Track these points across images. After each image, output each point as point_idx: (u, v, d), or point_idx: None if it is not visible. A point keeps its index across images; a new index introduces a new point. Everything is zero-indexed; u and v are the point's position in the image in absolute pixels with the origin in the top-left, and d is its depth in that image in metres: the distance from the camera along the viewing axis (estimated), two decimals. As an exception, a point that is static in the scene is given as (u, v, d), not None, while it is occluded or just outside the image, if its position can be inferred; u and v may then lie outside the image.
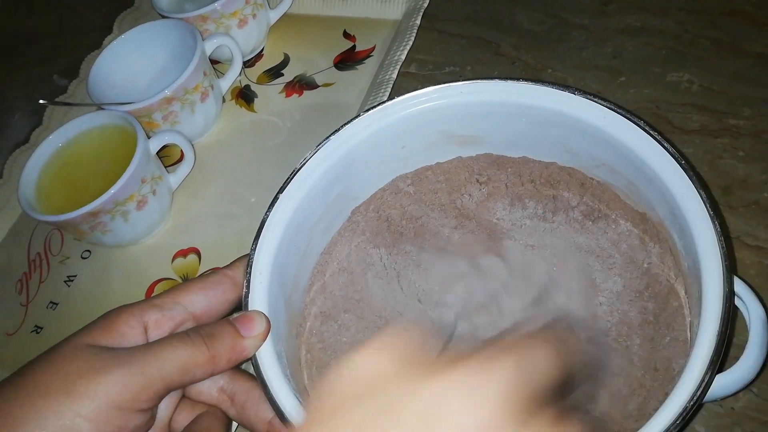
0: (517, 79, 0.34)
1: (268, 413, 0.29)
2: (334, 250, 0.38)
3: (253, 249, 0.32)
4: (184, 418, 0.30)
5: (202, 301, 0.30)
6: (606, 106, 0.31)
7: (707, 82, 0.46)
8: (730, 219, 0.39)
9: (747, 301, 0.27)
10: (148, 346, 0.27)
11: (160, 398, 0.27)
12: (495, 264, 0.35)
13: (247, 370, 0.33)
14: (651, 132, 0.30)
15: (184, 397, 0.31)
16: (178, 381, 0.27)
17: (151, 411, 0.27)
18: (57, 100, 0.59)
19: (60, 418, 0.24)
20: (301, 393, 0.30)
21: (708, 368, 0.23)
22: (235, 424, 0.35)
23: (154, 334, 0.29)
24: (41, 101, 0.53)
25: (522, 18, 0.54)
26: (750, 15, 0.48)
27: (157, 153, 0.48)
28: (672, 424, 0.23)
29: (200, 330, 0.28)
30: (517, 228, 0.36)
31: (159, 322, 0.29)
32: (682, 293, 0.30)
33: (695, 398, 0.23)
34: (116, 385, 0.25)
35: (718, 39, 0.48)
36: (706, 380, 0.23)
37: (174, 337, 0.28)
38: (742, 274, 0.37)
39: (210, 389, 0.31)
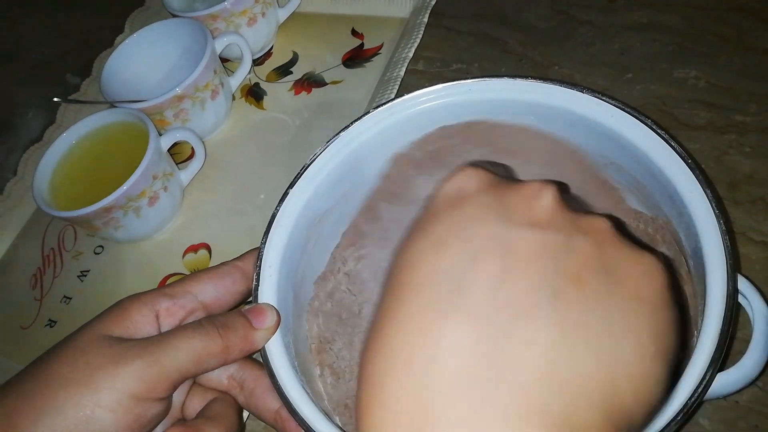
0: (526, 77, 0.34)
1: (276, 403, 0.29)
2: (342, 245, 0.38)
3: (263, 243, 0.33)
4: (196, 403, 0.31)
5: (212, 291, 0.31)
6: (613, 105, 0.31)
7: (714, 78, 0.46)
8: (736, 214, 0.39)
9: (751, 299, 0.27)
10: (163, 336, 0.28)
11: (176, 387, 0.28)
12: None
13: (257, 358, 0.34)
14: (658, 131, 0.30)
15: (195, 383, 0.31)
16: (193, 370, 0.28)
17: (168, 399, 0.28)
18: (70, 98, 0.60)
19: (80, 408, 0.25)
20: (309, 384, 0.30)
21: (709, 366, 0.24)
22: (246, 412, 0.35)
23: (166, 323, 0.30)
24: (55, 99, 0.54)
25: (529, 14, 0.55)
26: (757, 11, 0.48)
27: (168, 150, 0.49)
28: (672, 421, 0.23)
29: (214, 320, 0.29)
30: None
31: (170, 310, 0.30)
32: (688, 291, 0.31)
33: (696, 395, 0.23)
34: (134, 376, 0.26)
35: (725, 35, 0.48)
36: (707, 378, 0.24)
37: (188, 327, 0.28)
38: (748, 269, 0.37)
39: (220, 376, 0.31)
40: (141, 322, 0.28)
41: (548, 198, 0.20)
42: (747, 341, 0.27)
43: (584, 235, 0.20)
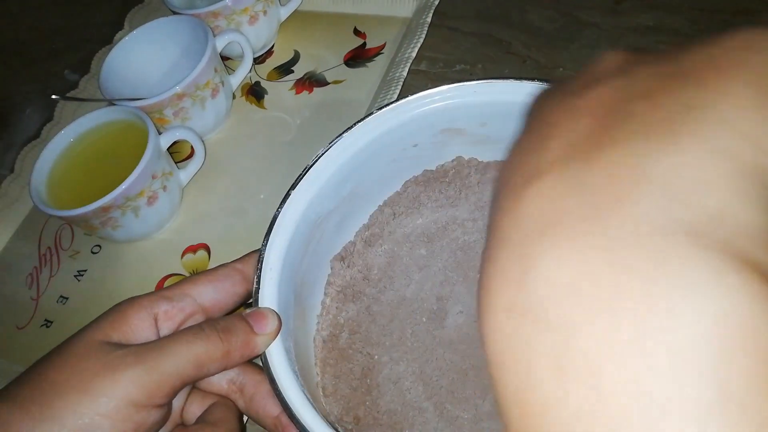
0: (532, 78, 0.34)
1: (276, 409, 0.29)
2: (345, 246, 0.38)
3: (264, 245, 0.32)
4: (195, 408, 0.30)
5: (212, 293, 0.31)
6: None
7: (720, 82, 0.45)
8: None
9: None
10: (163, 341, 0.27)
11: (176, 393, 0.27)
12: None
13: (257, 363, 0.33)
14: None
15: (194, 388, 0.31)
16: (194, 376, 0.27)
17: (168, 405, 0.28)
18: (68, 95, 0.59)
19: (79, 417, 0.25)
20: (310, 388, 0.30)
21: None
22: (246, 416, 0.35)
23: (165, 326, 0.29)
24: (53, 96, 0.53)
25: (533, 16, 0.54)
26: (762, 15, 0.48)
27: (168, 149, 0.49)
28: None
29: (215, 324, 0.29)
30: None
31: (169, 313, 0.29)
32: None
33: None
34: (133, 383, 0.25)
35: (732, 39, 0.47)
36: None
37: (188, 331, 0.28)
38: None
39: (220, 380, 0.31)
40: (139, 327, 0.28)
41: (608, 56, 0.17)
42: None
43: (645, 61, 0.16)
